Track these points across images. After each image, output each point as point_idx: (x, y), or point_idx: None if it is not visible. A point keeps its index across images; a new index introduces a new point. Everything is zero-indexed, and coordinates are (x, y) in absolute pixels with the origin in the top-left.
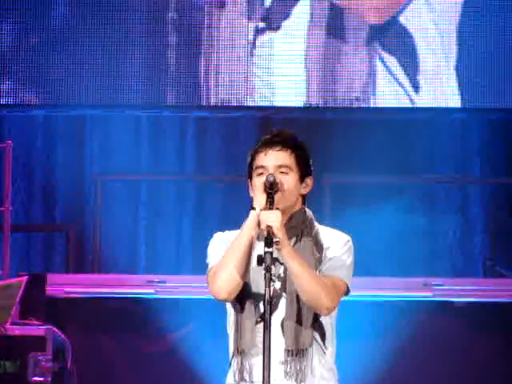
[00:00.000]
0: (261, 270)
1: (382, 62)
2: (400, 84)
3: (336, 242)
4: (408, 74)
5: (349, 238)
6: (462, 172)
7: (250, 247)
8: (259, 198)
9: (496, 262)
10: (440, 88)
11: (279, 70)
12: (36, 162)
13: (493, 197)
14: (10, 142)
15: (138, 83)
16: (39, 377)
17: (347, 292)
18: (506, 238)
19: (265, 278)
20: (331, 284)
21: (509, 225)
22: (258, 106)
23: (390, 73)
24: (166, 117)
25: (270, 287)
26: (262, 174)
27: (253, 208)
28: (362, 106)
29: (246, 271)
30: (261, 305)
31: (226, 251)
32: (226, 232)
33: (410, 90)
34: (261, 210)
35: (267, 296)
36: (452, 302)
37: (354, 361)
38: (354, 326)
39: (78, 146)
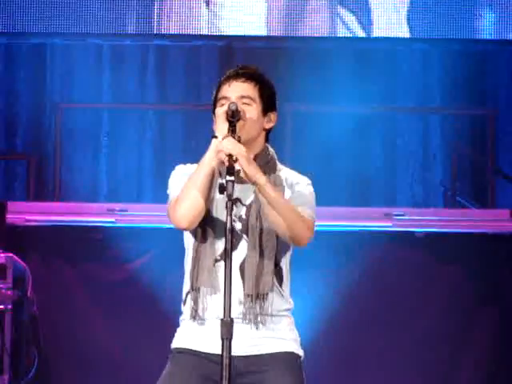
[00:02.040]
0: (222, 202)
1: None
2: (357, 15)
3: (298, 185)
4: (367, 4)
5: (309, 180)
6: (423, 103)
7: (212, 176)
8: (221, 126)
9: (456, 192)
10: (399, 18)
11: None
12: None
13: (454, 127)
14: None
15: (101, 11)
16: None
17: (314, 227)
18: (467, 167)
19: (226, 206)
20: (304, 216)
21: (469, 155)
22: (219, 35)
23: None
24: (127, 45)
25: (231, 215)
26: (224, 104)
27: (214, 137)
28: (323, 35)
29: (207, 200)
30: (221, 240)
31: (187, 180)
32: (188, 165)
33: (368, 20)
34: (222, 139)
35: (229, 224)
36: (413, 233)
37: (314, 292)
38: (314, 256)
39: (39, 75)
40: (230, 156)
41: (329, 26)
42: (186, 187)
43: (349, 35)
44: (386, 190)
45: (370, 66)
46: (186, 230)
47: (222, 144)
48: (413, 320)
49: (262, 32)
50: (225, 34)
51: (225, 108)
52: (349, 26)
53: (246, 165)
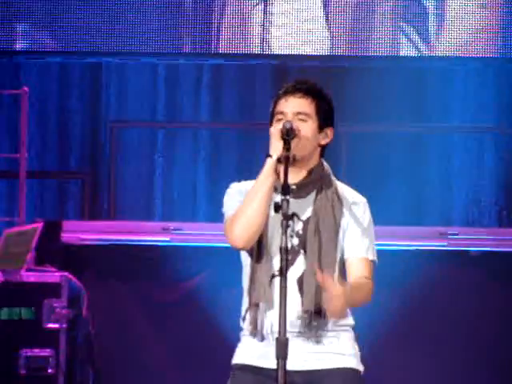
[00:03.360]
0: (278, 221)
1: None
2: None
3: (356, 205)
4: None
5: (365, 199)
6: (478, 122)
7: (268, 195)
8: (275, 144)
9: (510, 212)
10: (457, 37)
11: (295, 19)
12: (51, 110)
13: (508, 146)
14: (26, 88)
15: (155, 30)
16: (54, 323)
17: (375, 265)
18: None
19: (281, 225)
20: (368, 279)
21: None
22: (273, 54)
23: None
24: (182, 65)
25: (286, 234)
26: (280, 119)
27: (269, 155)
28: (377, 54)
29: (263, 219)
30: (277, 257)
31: (244, 200)
32: (243, 182)
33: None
34: (278, 159)
35: (283, 244)
36: (467, 252)
37: (369, 311)
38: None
39: (94, 94)
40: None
41: (381, 44)
42: (243, 206)
43: (409, 53)
44: (441, 210)
45: (426, 85)
46: (242, 249)
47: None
48: (467, 341)
49: (319, 47)
50: (279, 52)
51: (279, 126)
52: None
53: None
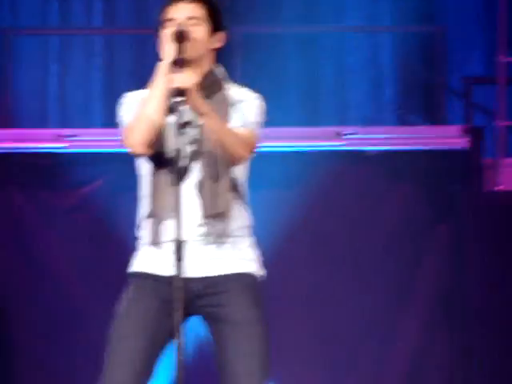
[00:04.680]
0: (174, 126)
1: None
2: None
3: (246, 100)
4: None
5: (258, 95)
6: (373, 21)
7: (163, 98)
8: (168, 48)
9: (407, 110)
10: None
11: None
12: None
13: (404, 45)
14: None
15: None
16: None
17: (256, 146)
18: (418, 86)
19: (176, 128)
20: (243, 134)
21: (420, 73)
22: None
23: None
24: None
25: (181, 137)
26: (171, 26)
27: (162, 60)
28: None
29: (160, 123)
30: (175, 165)
31: (140, 105)
32: (137, 91)
33: None
34: (171, 68)
35: (180, 146)
36: (363, 151)
37: (266, 211)
38: (266, 176)
39: None
40: (179, 88)
41: None
42: (139, 111)
43: None
44: (337, 110)
45: None
46: (142, 155)
47: (171, 78)
48: (362, 240)
49: None
50: None
51: (171, 31)
52: None
53: (191, 98)
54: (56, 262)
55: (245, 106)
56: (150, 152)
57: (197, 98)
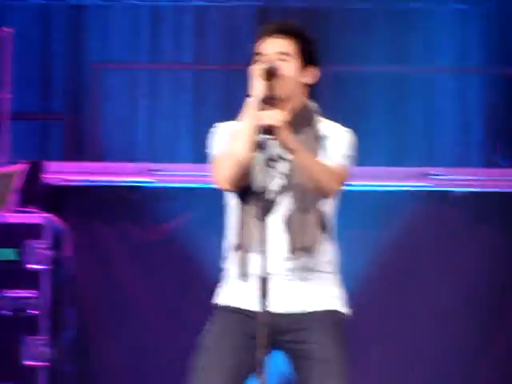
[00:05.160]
0: (262, 161)
1: None
2: None
3: (337, 134)
4: None
5: (349, 130)
6: (462, 62)
7: (251, 135)
8: (256, 85)
9: (495, 152)
10: None
11: None
12: (34, 52)
13: (493, 87)
14: (9, 29)
15: None
16: (37, 264)
17: (346, 179)
18: (506, 128)
19: (265, 165)
20: (333, 169)
21: (509, 114)
22: None
23: None
24: (165, 6)
25: (270, 174)
26: (261, 61)
27: (250, 96)
28: None
29: (248, 160)
30: (263, 200)
31: (229, 141)
32: (227, 122)
33: None
34: (260, 105)
35: (267, 184)
36: (450, 192)
37: (352, 251)
38: (352, 215)
39: (76, 36)
40: (269, 126)
41: None
42: (228, 149)
43: None
44: (425, 150)
45: (409, 27)
46: (229, 190)
47: (260, 116)
48: (450, 280)
49: None
50: None
51: (261, 66)
52: None
53: (280, 135)
54: (141, 296)
55: (335, 140)
56: (237, 188)
57: (286, 135)
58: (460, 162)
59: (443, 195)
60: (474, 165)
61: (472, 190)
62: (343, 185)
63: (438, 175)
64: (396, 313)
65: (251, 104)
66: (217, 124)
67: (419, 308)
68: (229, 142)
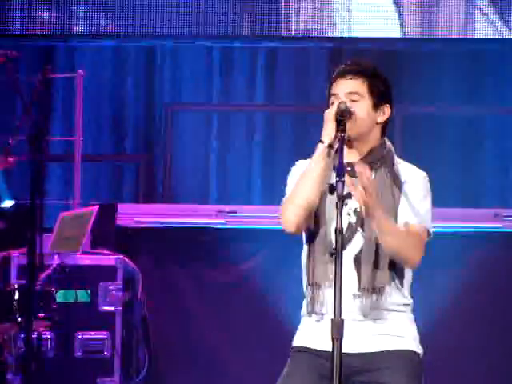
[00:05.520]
0: (334, 200)
1: None
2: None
3: (414, 179)
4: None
5: (425, 174)
6: None
7: (319, 181)
8: (328, 128)
9: None
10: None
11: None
12: (106, 93)
13: None
14: (81, 71)
15: (211, 14)
16: (110, 306)
17: (429, 236)
18: None
19: (336, 207)
20: (415, 235)
21: None
22: (329, 37)
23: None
24: (237, 48)
25: (341, 216)
26: (333, 103)
27: (321, 141)
28: (432, 36)
29: (314, 205)
30: (333, 236)
31: (295, 185)
32: (306, 161)
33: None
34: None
35: (339, 225)
36: None
37: (425, 293)
38: (423, 257)
39: (149, 77)
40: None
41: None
42: (293, 192)
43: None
44: (499, 192)
45: (480, 67)
46: (293, 233)
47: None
48: None
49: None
50: (333, 35)
51: (332, 109)
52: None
53: (362, 197)
54: (213, 338)
55: (413, 188)
56: (301, 231)
57: (369, 199)
58: None
59: None
60: None
61: None
62: (424, 249)
63: (510, 216)
64: (464, 355)
65: (320, 148)
66: (298, 161)
67: (486, 350)
68: (295, 186)
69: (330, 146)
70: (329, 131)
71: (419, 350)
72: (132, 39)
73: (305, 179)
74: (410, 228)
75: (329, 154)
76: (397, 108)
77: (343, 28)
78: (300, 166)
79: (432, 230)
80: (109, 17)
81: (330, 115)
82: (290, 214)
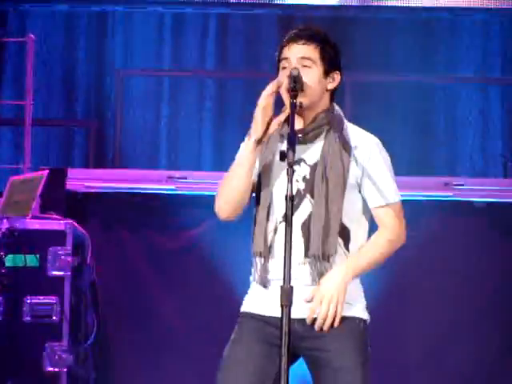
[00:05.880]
0: (284, 168)
1: None
2: None
3: (365, 145)
4: None
5: (377, 140)
6: (484, 72)
7: (249, 174)
8: (257, 121)
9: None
10: None
11: None
12: (57, 58)
13: None
14: (31, 36)
15: None
16: (58, 271)
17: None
18: None
19: (287, 173)
20: (394, 225)
21: None
22: (280, 4)
23: None
24: (188, 13)
25: (291, 183)
26: (285, 67)
27: (248, 135)
28: (384, 4)
29: (246, 195)
30: (282, 204)
31: (228, 172)
32: None
33: None
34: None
35: (289, 192)
36: (472, 202)
37: None
38: (374, 225)
39: (100, 42)
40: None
41: None
42: (225, 180)
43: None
44: (446, 160)
45: (432, 36)
46: (225, 220)
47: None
48: (471, 291)
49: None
50: (286, 2)
51: (285, 74)
52: None
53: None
54: (163, 303)
55: (371, 165)
56: (234, 217)
57: (343, 274)
58: (480, 172)
59: (465, 205)
60: (494, 175)
61: (494, 200)
62: (404, 222)
63: (459, 185)
64: (416, 320)
65: (249, 145)
66: (246, 137)
67: (441, 314)
68: (226, 175)
69: (259, 141)
70: (258, 127)
71: (365, 316)
72: (83, 4)
73: (234, 173)
74: (386, 216)
75: (256, 149)
76: (346, 75)
77: None
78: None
79: (397, 195)
80: None
81: (259, 110)
82: (221, 201)
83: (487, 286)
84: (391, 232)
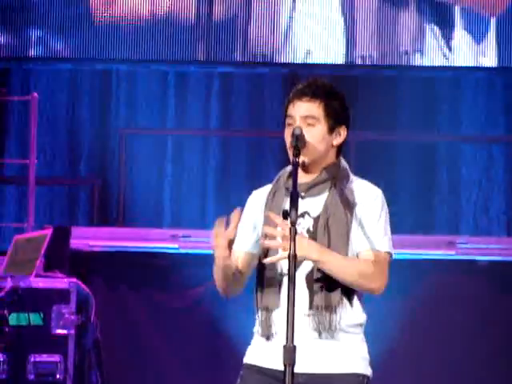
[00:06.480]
0: (288, 222)
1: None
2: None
3: (367, 200)
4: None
5: (380, 192)
6: (487, 131)
7: (230, 272)
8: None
9: None
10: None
11: (304, 28)
12: (61, 116)
13: None
14: (35, 94)
15: (166, 38)
16: (62, 329)
17: (391, 257)
18: None
19: (290, 232)
20: (375, 265)
21: None
22: (283, 63)
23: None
24: (192, 72)
25: (294, 241)
26: (290, 124)
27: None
28: (387, 63)
29: (241, 281)
30: (285, 261)
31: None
32: (260, 190)
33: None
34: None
35: (292, 251)
36: (475, 261)
37: (377, 319)
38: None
39: (104, 101)
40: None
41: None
42: (215, 271)
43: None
44: (450, 219)
45: (435, 94)
46: (228, 297)
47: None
48: (476, 347)
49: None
50: (289, 61)
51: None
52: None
53: (299, 249)
54: (166, 362)
55: (366, 213)
56: (240, 291)
57: (308, 248)
58: (484, 231)
59: (468, 264)
60: (497, 234)
61: (495, 258)
62: (387, 275)
63: (463, 244)
64: (416, 378)
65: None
66: (253, 192)
67: (439, 373)
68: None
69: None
70: (220, 251)
71: (368, 371)
72: (87, 63)
73: (217, 275)
74: (368, 259)
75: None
76: (350, 134)
77: (299, 54)
78: (255, 196)
79: (392, 250)
80: (64, 40)
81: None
82: (219, 286)
83: (490, 343)
84: (373, 269)
